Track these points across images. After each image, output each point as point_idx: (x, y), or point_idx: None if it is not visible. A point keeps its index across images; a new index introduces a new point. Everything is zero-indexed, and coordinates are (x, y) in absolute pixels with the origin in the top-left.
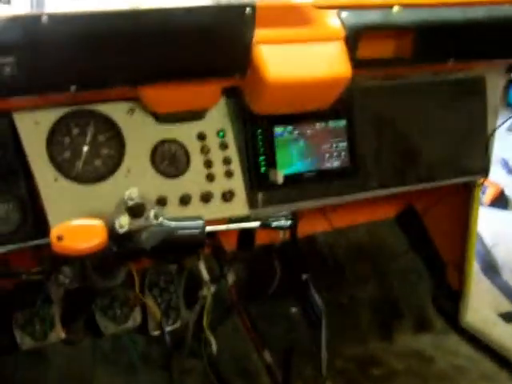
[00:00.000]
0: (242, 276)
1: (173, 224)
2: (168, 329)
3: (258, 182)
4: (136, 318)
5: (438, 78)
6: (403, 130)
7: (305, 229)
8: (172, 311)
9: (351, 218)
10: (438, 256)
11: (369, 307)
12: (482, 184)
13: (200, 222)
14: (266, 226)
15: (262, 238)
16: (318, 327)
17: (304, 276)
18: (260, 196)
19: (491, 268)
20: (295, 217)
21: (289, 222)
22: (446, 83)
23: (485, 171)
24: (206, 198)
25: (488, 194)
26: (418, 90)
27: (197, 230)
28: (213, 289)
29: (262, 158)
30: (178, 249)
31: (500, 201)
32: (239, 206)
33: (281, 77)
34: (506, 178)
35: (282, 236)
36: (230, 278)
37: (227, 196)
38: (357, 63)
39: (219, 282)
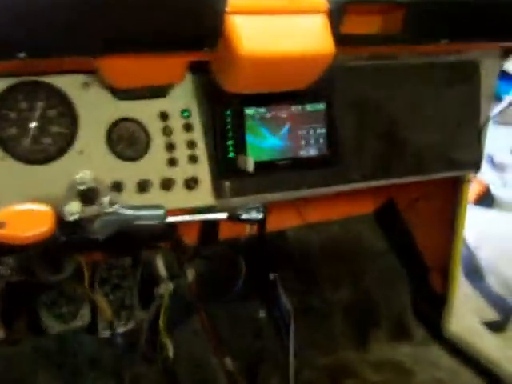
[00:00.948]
0: (204, 273)
1: (129, 213)
2: (120, 330)
3: (225, 169)
4: (84, 316)
5: (429, 61)
6: (389, 117)
7: (274, 223)
8: (125, 310)
9: (325, 212)
10: (419, 257)
11: (342, 312)
12: (472, 179)
13: (160, 212)
14: (234, 218)
15: (226, 232)
16: (285, 332)
17: (271, 275)
18: (227, 185)
19: (475, 272)
20: (264, 209)
21: (260, 215)
22: (438, 67)
23: (477, 164)
24: (166, 184)
25: (472, 192)
26: (407, 73)
27: (156, 221)
28: (171, 286)
29: (230, 142)
30: (135, 241)
31: (485, 199)
32: (204, 195)
33: (255, 51)
34: (491, 174)
35: (248, 230)
36: (190, 274)
37: (191, 184)
38: (340, 39)
39: (178, 279)
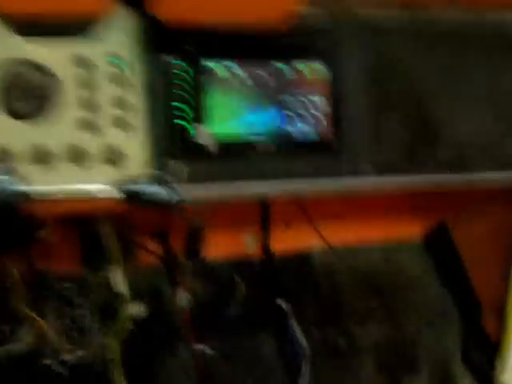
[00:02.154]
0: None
1: None
2: (68, 358)
3: (173, 144)
4: (24, 339)
5: (477, 20)
6: (420, 93)
7: (296, 242)
8: (77, 334)
9: (358, 233)
10: (471, 292)
11: (372, 353)
12: None
13: (6, 179)
14: (131, 197)
15: (223, 248)
16: (297, 375)
17: (283, 303)
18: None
19: None
20: (267, 213)
21: (175, 197)
22: (489, 29)
23: None
24: (77, 156)
25: None
26: (447, 34)
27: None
28: (138, 308)
29: (181, 106)
30: None
31: None
32: (133, 173)
33: None
34: None
35: (249, 245)
36: (184, 298)
37: (113, 158)
38: None
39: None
